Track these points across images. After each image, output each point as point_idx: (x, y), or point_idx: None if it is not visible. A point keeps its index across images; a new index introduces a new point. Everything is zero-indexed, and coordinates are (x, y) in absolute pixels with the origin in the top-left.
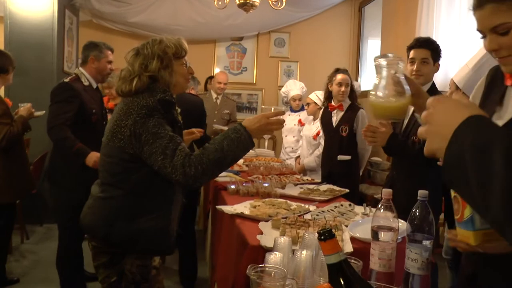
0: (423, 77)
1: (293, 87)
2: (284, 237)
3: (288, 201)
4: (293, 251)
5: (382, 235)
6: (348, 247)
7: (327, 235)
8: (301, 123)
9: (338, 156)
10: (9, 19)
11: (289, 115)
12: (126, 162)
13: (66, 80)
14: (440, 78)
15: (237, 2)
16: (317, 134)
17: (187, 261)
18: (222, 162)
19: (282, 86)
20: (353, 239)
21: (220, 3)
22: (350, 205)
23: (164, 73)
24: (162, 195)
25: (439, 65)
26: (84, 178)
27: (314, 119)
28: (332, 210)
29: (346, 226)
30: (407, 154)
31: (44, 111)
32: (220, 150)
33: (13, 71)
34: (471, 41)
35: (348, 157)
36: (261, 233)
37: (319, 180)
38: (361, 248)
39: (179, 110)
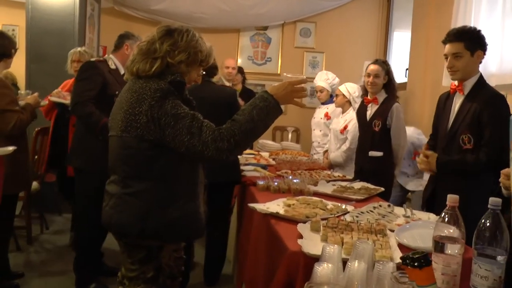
0: (459, 73)
1: (317, 78)
2: (334, 245)
3: (324, 200)
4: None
5: (448, 247)
6: (398, 256)
7: (422, 262)
8: (327, 116)
9: (370, 152)
10: (30, 5)
11: (319, 108)
12: (146, 150)
13: (92, 59)
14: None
15: None
16: (345, 128)
17: (213, 256)
18: (254, 131)
19: (307, 78)
20: (400, 246)
21: None
22: (389, 205)
23: (183, 68)
24: (188, 178)
25: (482, 53)
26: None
27: (342, 112)
28: (372, 211)
29: (391, 230)
30: (464, 168)
31: (46, 102)
32: (250, 120)
33: (15, 54)
34: None
35: (379, 154)
36: (300, 236)
37: (350, 176)
38: None
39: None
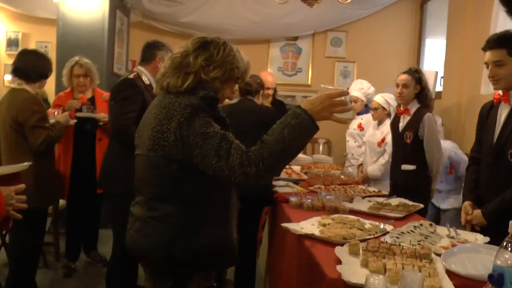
0: (503, 81)
1: (352, 88)
2: (378, 276)
3: (361, 219)
4: None
5: None
6: (448, 285)
7: None
8: (360, 127)
9: (402, 166)
10: (61, 21)
11: (354, 118)
12: (174, 171)
13: (130, 76)
14: None
15: None
16: (382, 140)
17: (245, 274)
18: (286, 154)
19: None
20: (448, 273)
21: None
22: (431, 225)
23: (217, 84)
24: (220, 202)
25: None
26: None
27: (379, 124)
28: (413, 232)
29: (436, 254)
30: None
31: (75, 120)
32: (281, 140)
33: (50, 75)
34: None
35: (412, 167)
36: (339, 261)
37: (386, 192)
38: (462, 286)
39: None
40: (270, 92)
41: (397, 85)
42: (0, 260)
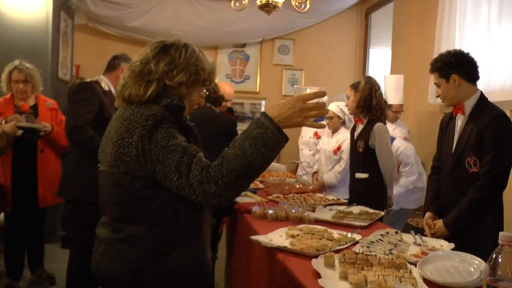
0: (446, 100)
1: None
2: None
3: (328, 229)
4: None
5: None
6: None
7: None
8: (316, 135)
9: (356, 174)
10: None
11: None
12: (138, 189)
13: (87, 80)
14: None
15: (258, 3)
16: (338, 148)
17: None
18: (248, 170)
19: (286, 96)
20: (426, 282)
21: (237, 4)
22: (396, 232)
23: (184, 89)
24: (190, 220)
25: (458, 75)
26: None
27: (333, 132)
28: (381, 240)
29: (409, 263)
30: (476, 211)
31: (21, 131)
32: (242, 155)
33: None
34: (503, 51)
35: (365, 175)
36: (317, 274)
37: (344, 199)
38: None
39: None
40: (228, 104)
41: (347, 97)
42: None
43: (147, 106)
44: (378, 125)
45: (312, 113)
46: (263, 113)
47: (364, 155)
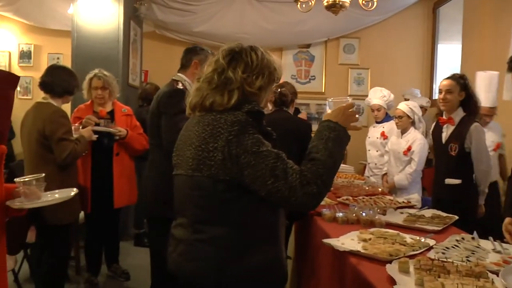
0: None
1: (373, 96)
2: None
3: (401, 233)
4: None
5: None
6: None
7: None
8: (384, 136)
9: (446, 180)
10: (76, 33)
11: (373, 127)
12: (221, 192)
13: (178, 86)
14: None
15: (325, 4)
16: (408, 149)
17: None
18: (336, 166)
19: (352, 95)
20: None
21: (304, 5)
22: (473, 238)
23: (263, 93)
24: (268, 222)
25: None
26: None
27: (403, 132)
28: (457, 246)
29: (491, 271)
30: None
31: (97, 136)
32: (330, 155)
33: (75, 92)
34: None
35: (457, 181)
36: (391, 280)
37: (416, 201)
38: None
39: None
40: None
41: (440, 91)
42: (22, 275)
43: (229, 113)
44: (476, 125)
45: (354, 118)
46: (328, 120)
47: (457, 159)
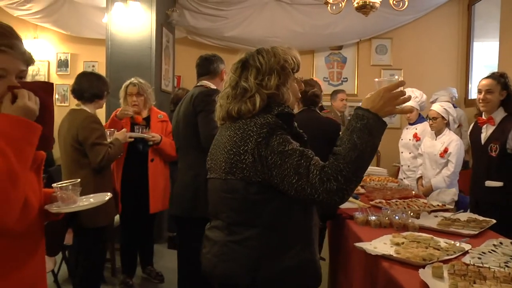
0: None
1: None
2: None
3: (435, 237)
4: None
5: None
6: None
7: None
8: (416, 137)
9: (486, 182)
10: (110, 41)
11: (406, 128)
12: (254, 194)
13: (212, 87)
14: None
15: (355, 5)
16: (445, 151)
17: None
18: (362, 159)
19: None
20: None
21: (334, 7)
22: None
23: (283, 89)
24: (301, 223)
25: None
26: None
27: (437, 134)
28: (494, 251)
29: None
30: None
31: (132, 139)
32: (353, 147)
33: (107, 96)
34: None
35: (499, 184)
36: (424, 285)
37: (449, 204)
38: None
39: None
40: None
41: (479, 91)
42: (61, 276)
43: (259, 116)
44: None
45: (399, 100)
46: (358, 107)
47: (498, 160)
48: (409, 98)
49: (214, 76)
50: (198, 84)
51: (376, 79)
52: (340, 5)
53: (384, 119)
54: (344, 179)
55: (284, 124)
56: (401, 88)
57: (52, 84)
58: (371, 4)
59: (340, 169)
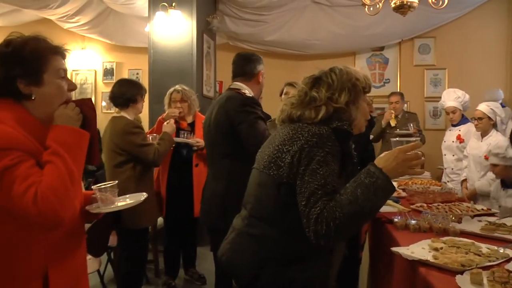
0: None
1: (446, 98)
2: None
3: (476, 243)
4: None
5: None
6: None
7: None
8: (460, 139)
9: None
10: (152, 49)
11: (449, 130)
12: (282, 196)
13: (247, 93)
14: None
15: (393, 6)
16: None
17: None
18: (359, 216)
19: (428, 97)
20: None
21: (372, 8)
22: None
23: (352, 107)
24: None
25: None
26: None
27: (483, 135)
28: None
29: None
30: None
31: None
32: (354, 201)
33: (142, 100)
34: None
35: None
36: None
37: (494, 209)
38: None
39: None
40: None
41: None
42: (106, 276)
43: (316, 125)
44: None
45: (414, 162)
46: (373, 164)
47: None
48: (422, 161)
49: (250, 78)
50: (231, 86)
51: (392, 139)
52: (378, 6)
53: (429, 119)
54: (335, 228)
55: (338, 140)
56: (416, 151)
57: (90, 98)
58: (408, 3)
59: (335, 217)
